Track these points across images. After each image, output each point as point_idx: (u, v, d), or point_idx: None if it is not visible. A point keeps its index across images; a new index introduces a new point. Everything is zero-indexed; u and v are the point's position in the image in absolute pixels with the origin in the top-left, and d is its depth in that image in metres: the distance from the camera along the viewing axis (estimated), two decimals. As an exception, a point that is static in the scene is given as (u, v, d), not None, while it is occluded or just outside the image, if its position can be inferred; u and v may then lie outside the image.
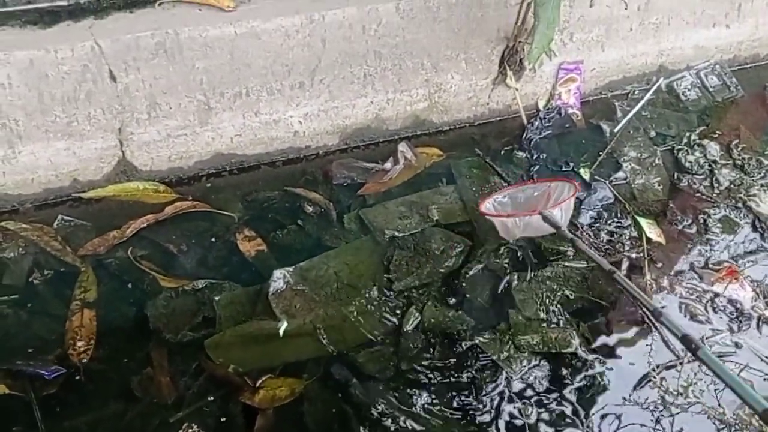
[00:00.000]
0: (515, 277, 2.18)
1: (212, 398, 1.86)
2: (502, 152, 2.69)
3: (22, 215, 2.24)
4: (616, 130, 2.83)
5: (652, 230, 2.38)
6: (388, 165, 2.54)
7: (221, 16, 2.23)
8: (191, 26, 2.17)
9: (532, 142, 2.74)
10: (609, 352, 2.05)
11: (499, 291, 2.18)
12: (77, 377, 1.86)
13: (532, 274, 2.20)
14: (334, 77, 2.44)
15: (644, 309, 2.04)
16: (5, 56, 1.99)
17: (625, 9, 2.76)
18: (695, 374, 1.98)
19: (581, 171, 2.62)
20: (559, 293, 2.17)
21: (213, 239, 2.25)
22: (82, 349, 1.92)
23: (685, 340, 1.64)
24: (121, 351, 1.95)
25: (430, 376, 1.95)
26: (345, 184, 2.48)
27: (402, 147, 2.57)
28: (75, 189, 2.31)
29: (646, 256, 2.28)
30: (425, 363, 1.98)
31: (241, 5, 2.30)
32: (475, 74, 2.68)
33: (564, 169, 2.63)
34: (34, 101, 2.08)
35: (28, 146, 2.16)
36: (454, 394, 1.92)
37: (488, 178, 2.55)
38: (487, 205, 2.28)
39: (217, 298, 2.04)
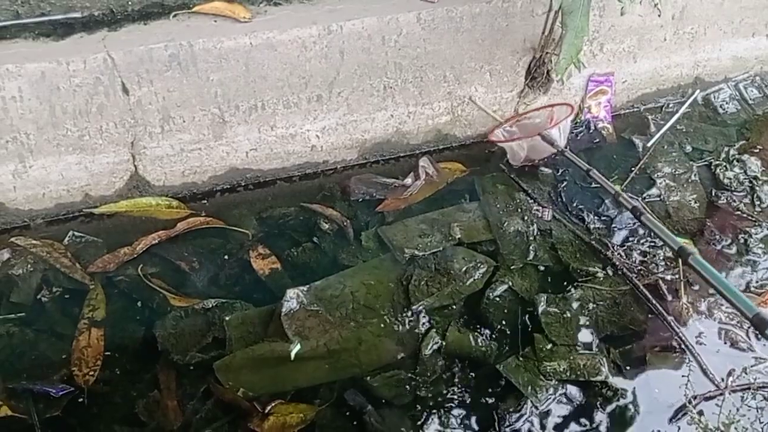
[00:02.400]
0: (542, 299, 2.06)
1: (219, 424, 1.77)
2: (527, 168, 2.58)
3: (33, 231, 2.20)
4: (649, 144, 2.71)
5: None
6: (408, 180, 2.45)
7: (236, 28, 2.18)
8: (206, 38, 2.11)
9: (559, 158, 2.62)
10: (642, 381, 1.91)
11: (525, 314, 2.06)
12: (81, 399, 1.79)
13: (560, 296, 2.08)
14: (353, 90, 2.37)
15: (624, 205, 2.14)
16: (17, 68, 1.96)
17: (659, 17, 2.64)
18: (737, 409, 1.83)
19: (612, 187, 2.50)
20: (587, 317, 2.04)
21: (226, 257, 2.18)
22: (88, 369, 1.85)
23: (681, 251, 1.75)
24: (127, 372, 1.88)
25: (450, 403, 1.84)
26: (363, 200, 2.40)
27: (423, 162, 2.48)
28: (86, 204, 2.26)
29: (682, 277, 2.14)
30: (444, 389, 1.87)
31: (257, 16, 2.25)
32: (500, 86, 2.59)
33: (593, 185, 2.50)
34: (46, 114, 2.04)
35: (39, 160, 2.12)
36: (474, 423, 1.81)
37: (513, 194, 2.44)
38: (496, 133, 2.56)
39: (227, 318, 1.96)
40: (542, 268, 2.18)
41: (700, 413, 1.82)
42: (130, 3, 2.22)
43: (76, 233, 2.18)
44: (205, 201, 2.37)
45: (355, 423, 1.79)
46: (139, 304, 2.03)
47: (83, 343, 1.91)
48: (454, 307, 2.06)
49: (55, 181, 2.17)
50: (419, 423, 1.80)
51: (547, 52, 2.50)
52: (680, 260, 1.86)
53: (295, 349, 1.89)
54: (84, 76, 2.03)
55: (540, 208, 2.36)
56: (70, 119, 2.08)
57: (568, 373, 1.89)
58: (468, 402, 1.85)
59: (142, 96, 2.12)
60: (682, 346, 1.98)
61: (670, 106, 2.93)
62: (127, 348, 1.94)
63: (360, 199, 2.39)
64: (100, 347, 1.91)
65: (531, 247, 2.22)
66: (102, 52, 2.03)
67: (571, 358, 1.92)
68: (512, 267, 2.16)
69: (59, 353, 1.89)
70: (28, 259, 2.08)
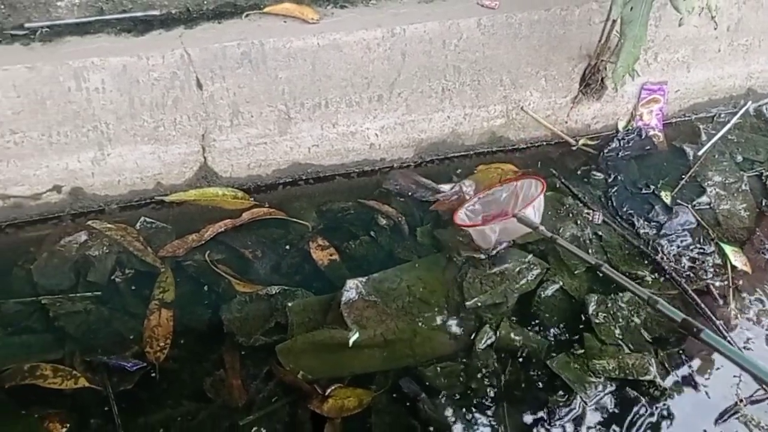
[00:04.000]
0: (592, 299, 2.12)
1: (281, 404, 1.87)
2: (579, 172, 2.64)
3: (108, 215, 2.32)
4: (700, 153, 2.74)
5: (737, 258, 2.28)
6: (445, 187, 2.50)
7: (305, 28, 2.28)
8: (276, 37, 2.22)
9: (610, 163, 2.68)
10: (689, 382, 1.96)
11: (575, 313, 2.12)
12: (153, 375, 1.90)
13: (610, 297, 2.14)
14: (412, 91, 2.45)
15: (638, 297, 1.90)
16: (101, 62, 2.08)
17: (714, 29, 2.68)
18: (785, 413, 1.88)
19: (662, 194, 2.54)
20: (636, 319, 2.10)
21: (287, 247, 2.28)
22: (158, 347, 1.96)
23: (686, 323, 1.64)
24: (195, 352, 1.98)
25: (501, 395, 1.91)
26: (394, 191, 2.50)
27: (465, 186, 2.50)
28: (158, 192, 2.38)
29: (731, 284, 2.18)
30: (496, 382, 1.94)
31: (325, 18, 2.34)
32: (554, 92, 2.65)
33: (644, 191, 2.55)
34: (125, 105, 2.16)
35: (116, 149, 2.24)
36: (524, 415, 1.87)
37: (562, 199, 2.50)
38: (461, 216, 2.30)
39: (290, 305, 2.05)
40: (593, 270, 2.23)
41: (750, 418, 1.86)
42: (205, 2, 2.33)
43: (147, 219, 2.30)
44: (268, 193, 2.47)
45: (409, 409, 1.87)
46: (205, 288, 2.14)
47: (154, 322, 2.02)
48: (507, 305, 2.13)
49: (130, 169, 2.30)
50: (470, 413, 1.87)
51: (602, 60, 2.56)
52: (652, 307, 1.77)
53: (354, 337, 1.98)
54: (162, 71, 2.14)
55: (590, 211, 2.42)
56: (147, 111, 2.20)
57: (616, 372, 1.95)
58: (518, 395, 1.92)
59: (215, 91, 2.23)
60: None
61: (722, 116, 2.96)
62: (195, 329, 2.04)
63: (391, 190, 2.49)
64: (170, 327, 2.02)
65: (589, 251, 2.27)
66: (179, 48, 2.15)
67: (620, 357, 1.97)
68: (576, 272, 2.22)
69: (131, 331, 2.00)
70: (104, 242, 2.21)
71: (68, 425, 1.77)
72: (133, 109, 2.18)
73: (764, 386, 1.54)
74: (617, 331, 2.05)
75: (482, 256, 2.22)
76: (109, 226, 2.26)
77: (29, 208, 2.26)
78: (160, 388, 1.88)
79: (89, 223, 2.27)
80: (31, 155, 2.16)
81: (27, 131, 2.11)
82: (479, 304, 2.11)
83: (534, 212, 2.17)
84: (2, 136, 2.09)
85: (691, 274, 2.24)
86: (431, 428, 1.83)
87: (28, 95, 2.05)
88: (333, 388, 1.89)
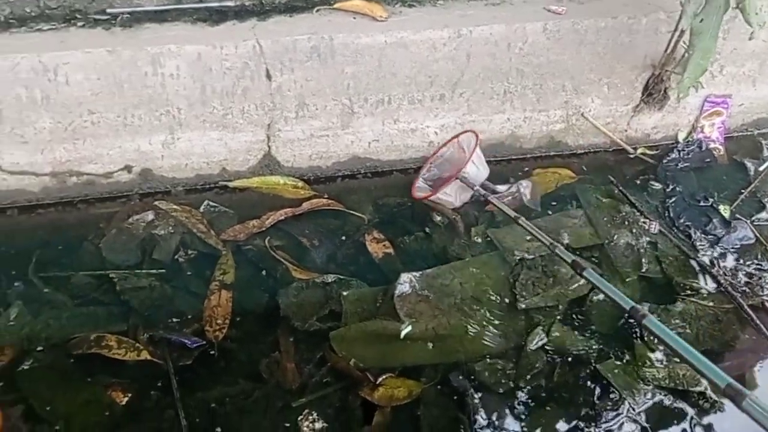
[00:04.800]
0: (644, 307, 2.12)
1: (333, 389, 1.92)
2: (637, 181, 2.63)
3: (174, 197, 2.41)
4: (761, 168, 2.71)
5: (795, 276, 2.25)
6: (501, 187, 2.52)
7: (373, 26, 2.33)
8: (345, 33, 2.27)
9: (669, 174, 2.67)
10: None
11: (626, 320, 2.13)
12: (211, 353, 1.97)
13: (662, 307, 2.14)
14: (474, 92, 2.48)
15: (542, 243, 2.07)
16: (177, 49, 2.16)
17: (784, 44, 2.64)
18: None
19: (721, 208, 2.52)
20: (689, 330, 2.09)
21: (343, 237, 2.34)
22: (217, 327, 2.03)
23: (633, 311, 1.70)
24: (251, 333, 2.03)
25: (548, 395, 1.93)
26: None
27: (524, 185, 2.52)
28: (222, 177, 2.46)
29: (788, 302, 2.16)
30: (544, 382, 1.96)
31: (393, 16, 2.39)
32: (616, 100, 2.65)
33: (702, 204, 2.54)
34: (197, 92, 2.24)
35: (186, 134, 2.32)
36: (571, 416, 1.89)
37: (619, 207, 2.50)
38: (419, 188, 2.41)
39: (344, 293, 2.10)
40: (646, 278, 2.24)
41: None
42: (277, -4, 2.41)
43: (211, 203, 2.38)
44: (327, 184, 2.53)
45: (457, 403, 1.90)
46: (263, 272, 2.20)
47: (214, 302, 2.09)
48: (559, 307, 2.14)
49: (197, 153, 2.38)
50: (517, 411, 1.90)
51: (666, 70, 2.55)
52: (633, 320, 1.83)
53: (406, 329, 2.02)
54: (234, 60, 2.22)
55: (647, 220, 2.41)
56: (218, 98, 2.28)
57: (666, 381, 1.95)
58: (566, 397, 1.93)
59: (283, 82, 2.29)
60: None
61: (786, 132, 2.92)
62: (252, 311, 2.10)
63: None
64: (229, 308, 2.08)
65: (643, 260, 2.28)
66: (252, 39, 2.22)
67: (671, 366, 1.97)
68: (627, 279, 2.23)
69: (192, 309, 2.07)
70: (170, 222, 2.29)
71: (129, 395, 1.84)
72: (205, 96, 2.26)
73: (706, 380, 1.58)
74: (669, 342, 2.05)
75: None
76: (174, 207, 2.34)
77: (101, 185, 2.36)
78: (218, 366, 1.94)
79: (156, 203, 2.36)
80: (106, 135, 2.25)
81: (104, 112, 2.20)
82: (531, 305, 2.13)
83: (476, 167, 2.29)
84: (81, 115, 2.19)
85: (747, 290, 2.22)
86: (478, 423, 1.86)
87: (107, 78, 2.15)
88: (384, 377, 1.93)
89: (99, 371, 1.88)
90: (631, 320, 1.78)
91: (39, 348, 1.91)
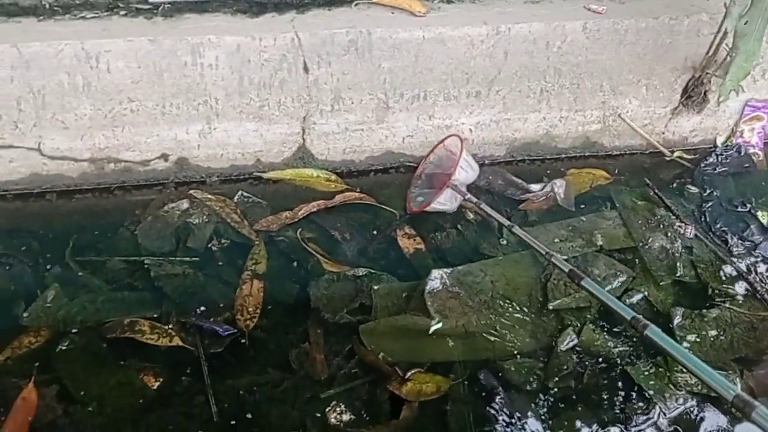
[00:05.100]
0: (678, 312, 2.09)
1: (361, 381, 1.92)
2: (674, 185, 2.60)
3: (208, 186, 2.44)
4: (802, 175, 2.66)
5: (834, 285, 2.21)
6: (535, 187, 2.51)
7: (411, 21, 2.33)
8: (383, 27, 2.27)
9: (706, 178, 2.63)
10: (776, 406, 1.92)
11: (658, 324, 2.09)
12: (242, 341, 1.98)
13: (696, 312, 2.11)
14: (511, 89, 2.47)
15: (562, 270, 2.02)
16: (217, 39, 2.18)
17: (830, 49, 2.58)
18: None
19: (759, 214, 2.47)
20: (723, 337, 2.06)
21: (375, 232, 2.34)
22: (248, 316, 2.05)
23: (634, 321, 1.70)
24: (282, 323, 2.05)
25: (578, 396, 1.92)
26: (483, 187, 2.52)
27: (557, 186, 2.51)
28: (257, 168, 2.48)
29: (826, 312, 2.12)
30: (574, 383, 1.94)
31: (431, 11, 2.38)
32: (654, 101, 2.62)
33: (739, 209, 2.50)
34: (235, 83, 2.26)
35: (222, 124, 2.35)
36: (600, 418, 1.87)
37: (654, 210, 2.47)
38: (414, 202, 2.35)
39: (375, 287, 2.11)
40: (680, 283, 2.21)
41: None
42: (316, -11, 2.41)
43: (245, 193, 2.40)
44: (359, 178, 2.54)
45: (485, 401, 1.90)
46: (295, 263, 2.21)
47: (245, 291, 2.11)
48: (590, 309, 2.12)
49: (233, 144, 2.40)
50: (546, 410, 1.88)
51: (707, 73, 2.51)
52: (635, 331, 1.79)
53: (436, 326, 2.02)
54: (272, 52, 2.23)
55: (682, 224, 2.38)
56: (255, 90, 2.29)
57: (699, 387, 1.92)
58: (595, 399, 1.91)
59: (320, 76, 2.30)
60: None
61: (829, 139, 2.85)
62: (283, 301, 2.11)
63: (482, 187, 2.52)
64: (260, 297, 2.10)
65: (678, 264, 2.25)
66: (290, 32, 2.23)
67: (704, 373, 1.95)
68: (661, 283, 2.20)
69: (224, 298, 2.09)
70: (204, 211, 2.32)
71: (161, 379, 1.87)
72: (242, 87, 2.28)
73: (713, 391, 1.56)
74: (702, 347, 2.02)
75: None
76: (209, 196, 2.37)
77: (137, 173, 2.40)
78: (248, 355, 1.96)
79: (191, 192, 2.38)
80: (145, 123, 2.28)
81: (143, 100, 2.23)
82: (562, 306, 2.11)
83: (465, 171, 2.25)
84: (120, 103, 2.22)
85: (785, 298, 2.18)
86: (506, 422, 1.85)
87: (148, 66, 2.17)
88: (412, 372, 1.93)
89: (132, 355, 1.91)
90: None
91: (74, 330, 1.94)
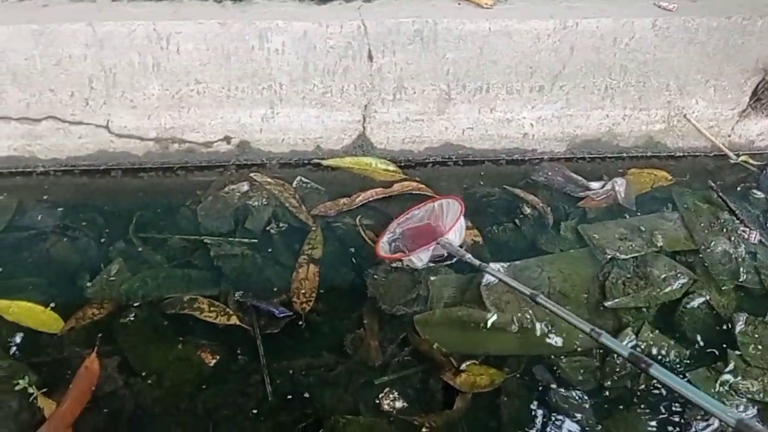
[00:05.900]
0: (741, 318, 2.04)
1: (415, 370, 1.92)
2: (738, 189, 2.54)
3: (268, 170, 2.47)
4: None
5: None
6: (595, 184, 2.48)
7: (478, 12, 2.31)
8: (449, 18, 2.27)
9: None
10: (840, 419, 1.86)
11: (719, 329, 2.06)
12: (298, 324, 2.00)
13: (760, 319, 2.06)
14: (575, 85, 2.44)
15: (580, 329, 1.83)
16: (285, 25, 2.20)
17: None
18: None
19: (825, 223, 2.40)
20: (789, 345, 2.01)
21: (431, 223, 2.34)
22: (304, 299, 2.07)
23: (633, 358, 1.64)
24: (336, 308, 2.06)
25: (634, 398, 1.89)
26: (542, 183, 2.51)
27: (617, 185, 2.47)
28: (316, 155, 2.50)
29: None
30: (630, 385, 1.91)
31: (498, 4, 2.37)
32: (722, 103, 2.56)
33: (807, 217, 2.43)
34: (299, 69, 2.28)
35: (285, 109, 2.37)
36: (657, 422, 1.84)
37: (717, 213, 2.41)
38: (383, 247, 2.19)
39: (432, 279, 2.11)
40: (742, 288, 2.16)
41: None
42: (384, -22, 2.41)
43: (303, 179, 2.43)
44: (417, 169, 2.54)
45: (538, 397, 1.88)
46: (351, 250, 2.23)
47: (302, 275, 2.13)
48: (648, 310, 2.09)
49: (294, 129, 2.42)
50: (601, 410, 1.86)
51: (779, 75, 2.45)
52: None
53: (492, 319, 2.01)
54: (338, 39, 2.24)
55: (747, 229, 2.32)
56: (318, 76, 2.31)
57: (761, 395, 1.87)
58: (652, 401, 1.88)
59: (383, 64, 2.31)
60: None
61: None
62: (338, 287, 2.13)
63: (541, 183, 2.50)
64: (316, 282, 2.11)
65: (740, 269, 2.20)
66: (357, 20, 2.24)
67: (766, 380, 1.90)
68: (723, 288, 2.16)
69: (280, 280, 2.11)
70: (263, 194, 2.35)
71: (218, 357, 1.90)
72: (306, 73, 2.30)
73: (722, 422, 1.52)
74: (764, 355, 1.97)
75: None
76: (269, 180, 2.39)
77: (200, 154, 2.44)
78: (303, 337, 1.98)
79: (251, 175, 2.42)
80: (210, 105, 2.32)
81: (210, 83, 2.27)
82: (620, 305, 2.08)
83: (456, 236, 2.14)
84: (188, 84, 2.26)
85: None
86: (559, 419, 1.83)
87: (216, 49, 2.21)
88: (467, 363, 1.92)
89: (190, 332, 1.95)
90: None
91: (135, 304, 1.99)
